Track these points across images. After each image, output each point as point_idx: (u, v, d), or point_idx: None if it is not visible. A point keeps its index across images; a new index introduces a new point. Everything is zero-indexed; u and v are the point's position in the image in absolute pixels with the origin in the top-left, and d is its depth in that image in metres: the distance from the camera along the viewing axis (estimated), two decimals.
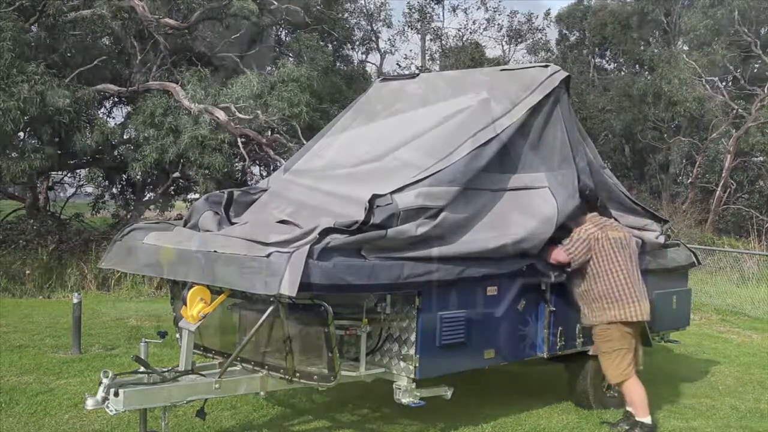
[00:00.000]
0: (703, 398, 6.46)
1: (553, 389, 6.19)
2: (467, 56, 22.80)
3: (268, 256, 4.12)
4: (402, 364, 4.75)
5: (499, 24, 26.36)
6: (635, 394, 5.23)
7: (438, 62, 24.95)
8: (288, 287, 3.93)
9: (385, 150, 5.41)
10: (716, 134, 21.26)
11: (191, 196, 17.40)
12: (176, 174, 14.78)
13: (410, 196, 4.61)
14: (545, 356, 5.42)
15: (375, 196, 4.49)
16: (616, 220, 5.71)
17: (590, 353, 5.63)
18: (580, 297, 5.37)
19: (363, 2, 22.65)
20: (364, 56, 23.59)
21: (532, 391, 6.34)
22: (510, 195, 5.25)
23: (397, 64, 25.94)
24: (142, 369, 4.44)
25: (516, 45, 26.75)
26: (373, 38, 23.19)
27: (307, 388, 4.99)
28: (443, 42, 25.31)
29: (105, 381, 4.13)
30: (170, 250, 4.67)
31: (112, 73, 14.99)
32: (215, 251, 4.38)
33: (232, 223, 5.24)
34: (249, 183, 17.78)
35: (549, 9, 29.65)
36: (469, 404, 5.75)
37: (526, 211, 5.18)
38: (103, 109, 16.16)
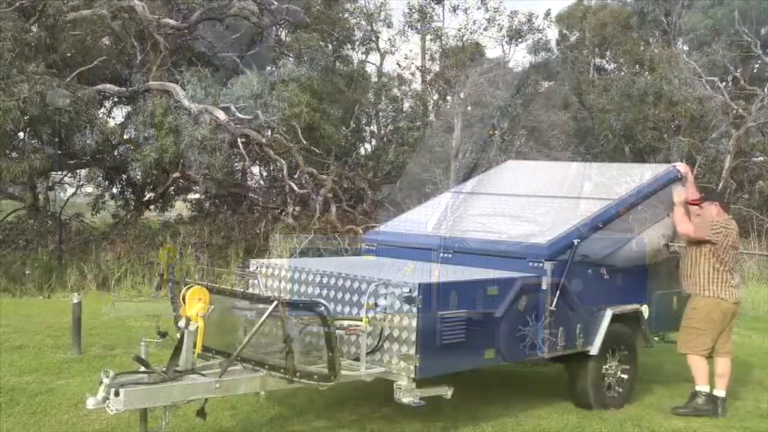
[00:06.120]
0: None
1: (554, 389, 6.21)
2: (467, 56, 22.73)
3: None
4: (402, 363, 4.74)
5: (499, 24, 26.30)
6: (694, 367, 5.97)
7: (438, 62, 24.89)
8: None
9: None
10: (716, 134, 21.25)
11: (191, 196, 17.36)
12: (176, 174, 14.77)
13: None
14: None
15: None
16: None
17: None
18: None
19: (363, 2, 22.61)
20: (364, 56, 23.51)
21: (533, 390, 6.35)
22: None
23: (397, 63, 25.91)
24: (142, 369, 4.42)
25: (516, 45, 26.69)
26: (373, 38, 23.09)
27: (307, 388, 4.96)
28: (443, 42, 25.24)
29: (106, 380, 4.09)
30: None
31: (112, 73, 15.02)
32: None
33: None
34: (249, 183, 17.75)
35: (549, 9, 29.19)
36: (469, 404, 5.75)
37: None
38: (103, 110, 16.12)
